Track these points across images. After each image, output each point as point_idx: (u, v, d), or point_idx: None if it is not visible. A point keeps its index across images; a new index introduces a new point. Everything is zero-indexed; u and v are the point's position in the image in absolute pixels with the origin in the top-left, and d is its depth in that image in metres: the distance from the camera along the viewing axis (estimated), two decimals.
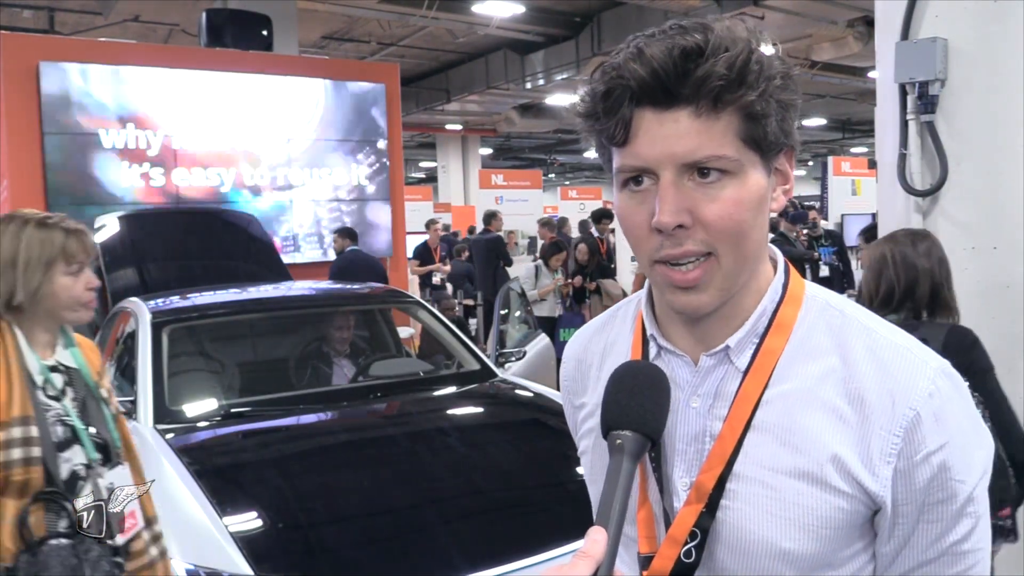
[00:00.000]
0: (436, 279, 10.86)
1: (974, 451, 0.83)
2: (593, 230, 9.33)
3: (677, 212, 0.79)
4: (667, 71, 0.78)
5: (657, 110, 0.80)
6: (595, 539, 0.72)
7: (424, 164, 27.24)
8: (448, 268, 10.99)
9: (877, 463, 0.80)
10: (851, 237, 11.79)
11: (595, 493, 1.00)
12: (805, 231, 9.11)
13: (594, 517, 0.76)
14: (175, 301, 4.01)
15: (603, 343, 1.02)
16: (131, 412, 3.20)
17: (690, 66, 0.78)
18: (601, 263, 8.15)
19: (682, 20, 0.82)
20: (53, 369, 1.89)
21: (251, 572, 2.23)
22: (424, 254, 10.86)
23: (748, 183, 0.81)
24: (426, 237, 11.30)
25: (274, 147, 7.85)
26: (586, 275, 7.87)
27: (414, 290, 11.02)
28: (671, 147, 0.79)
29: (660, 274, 0.83)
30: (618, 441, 0.79)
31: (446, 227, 15.68)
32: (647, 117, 0.80)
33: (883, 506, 0.81)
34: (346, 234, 7.41)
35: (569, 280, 7.87)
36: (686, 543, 0.85)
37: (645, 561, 0.88)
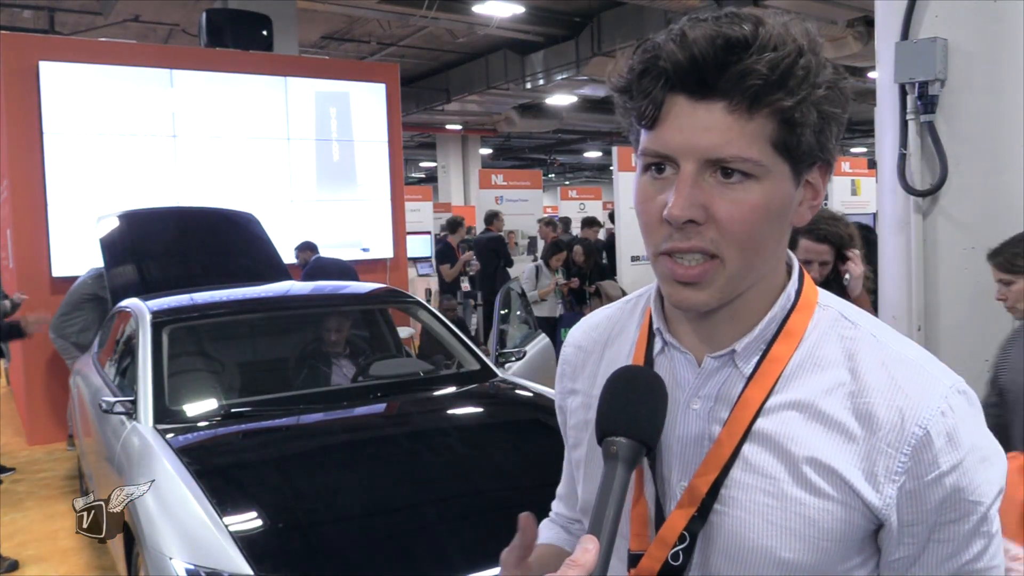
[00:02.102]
0: (465, 284, 9.44)
1: (989, 470, 0.79)
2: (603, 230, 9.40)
3: (689, 207, 0.77)
4: (706, 59, 0.74)
5: (690, 98, 0.77)
6: (587, 547, 0.71)
7: (424, 164, 27.25)
8: (476, 264, 9.61)
9: (881, 480, 0.78)
10: None
11: (583, 483, 0.99)
12: None
13: (586, 525, 0.75)
14: (175, 301, 4.01)
15: (608, 332, 1.00)
16: (131, 412, 3.20)
17: (731, 59, 0.74)
18: (599, 264, 8.16)
19: (738, 9, 0.78)
20: None
21: (251, 572, 2.22)
22: (449, 254, 9.63)
23: (772, 191, 0.78)
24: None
25: (274, 147, 7.85)
26: (584, 277, 7.87)
27: (421, 294, 10.88)
28: (697, 139, 0.76)
29: (663, 266, 0.82)
30: (613, 448, 0.78)
31: (470, 228, 14.93)
32: (679, 103, 0.77)
33: (886, 523, 0.79)
34: (307, 247, 7.36)
35: (566, 281, 7.87)
36: (675, 546, 0.84)
37: (633, 559, 0.87)
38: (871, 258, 3.93)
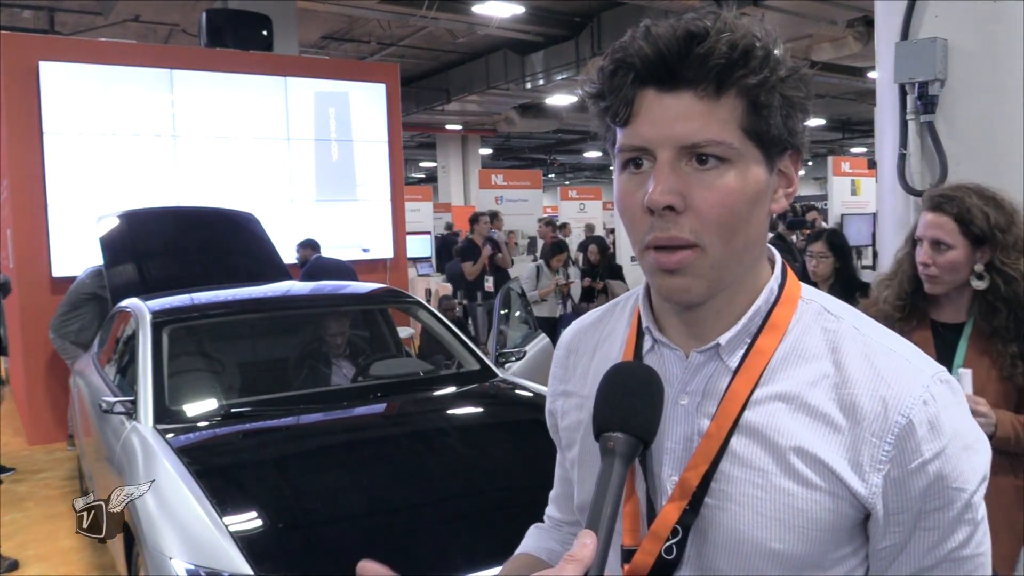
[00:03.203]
0: (488, 283, 8.41)
1: (972, 457, 0.81)
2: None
3: (669, 192, 0.79)
4: (671, 50, 0.78)
5: (660, 90, 0.80)
6: (584, 543, 0.71)
7: (424, 164, 27.26)
8: (500, 235, 8.75)
9: (867, 469, 0.80)
10: (851, 237, 11.79)
11: (579, 483, 0.99)
12: (806, 232, 9.15)
13: (584, 521, 0.75)
14: (175, 301, 4.01)
15: (599, 334, 1.01)
16: (131, 412, 3.20)
17: (694, 47, 0.78)
18: (611, 263, 8.19)
19: (697, 13, 0.81)
20: None
21: (251, 572, 2.22)
22: (473, 251, 8.62)
23: (746, 175, 0.80)
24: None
25: (274, 147, 7.85)
26: (596, 275, 7.92)
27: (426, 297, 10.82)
28: (671, 128, 0.79)
29: (650, 259, 0.83)
30: (610, 444, 0.78)
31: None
32: (649, 97, 0.80)
33: (873, 511, 0.80)
34: (308, 245, 7.38)
35: (566, 281, 7.89)
36: (667, 540, 0.85)
37: (627, 554, 0.87)
38: (843, 267, 3.69)
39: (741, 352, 0.86)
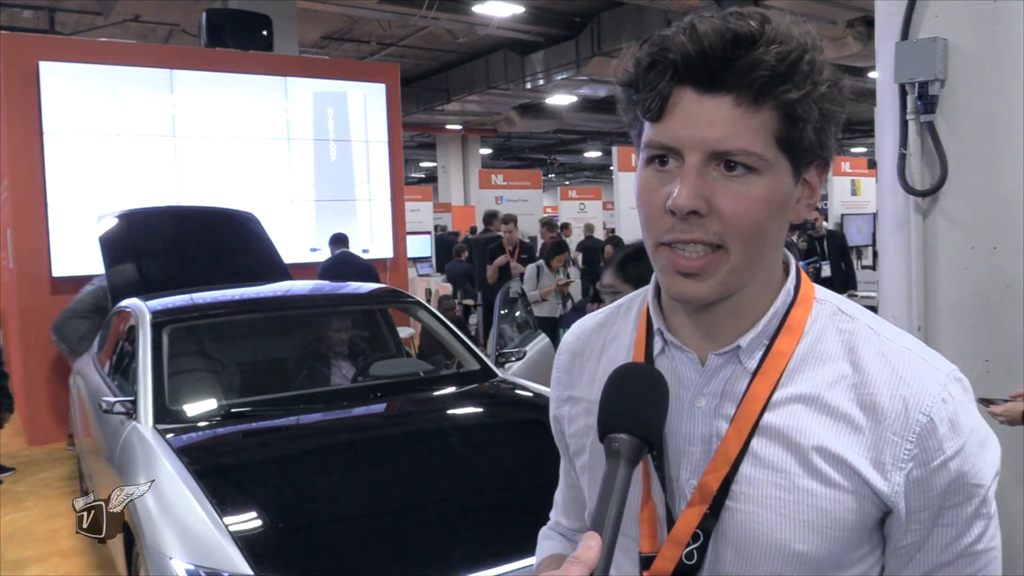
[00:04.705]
0: (515, 287, 7.63)
1: (987, 454, 0.82)
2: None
3: (694, 197, 0.78)
4: (715, 52, 0.76)
5: (697, 91, 0.78)
6: (589, 544, 0.71)
7: (424, 164, 27.26)
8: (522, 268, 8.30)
9: (889, 468, 0.80)
10: (851, 237, 11.81)
11: (590, 488, 0.98)
12: (807, 232, 9.15)
13: (589, 521, 0.75)
14: (175, 301, 4.01)
15: (604, 337, 1.00)
16: (131, 412, 3.20)
17: (740, 52, 0.76)
18: None
19: (743, 9, 0.80)
20: None
21: (251, 572, 2.22)
22: (502, 253, 8.48)
23: (772, 185, 0.80)
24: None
25: (274, 147, 7.85)
26: None
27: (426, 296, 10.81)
28: (703, 132, 0.78)
29: (664, 257, 0.82)
30: (615, 445, 0.78)
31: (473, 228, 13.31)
32: (686, 96, 0.78)
33: (895, 510, 0.81)
34: (338, 240, 7.47)
35: (567, 281, 7.88)
36: (688, 545, 0.84)
37: (646, 561, 0.87)
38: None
39: (760, 354, 0.86)
